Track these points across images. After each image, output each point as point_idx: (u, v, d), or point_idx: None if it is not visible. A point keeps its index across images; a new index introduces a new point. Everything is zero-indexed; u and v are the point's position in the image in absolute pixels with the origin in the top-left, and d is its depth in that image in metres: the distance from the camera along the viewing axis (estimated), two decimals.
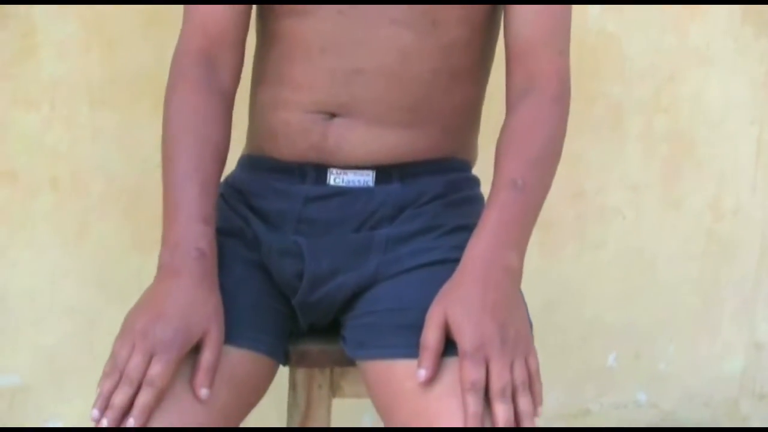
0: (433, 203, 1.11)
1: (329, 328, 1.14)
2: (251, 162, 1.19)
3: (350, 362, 1.10)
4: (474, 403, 0.90)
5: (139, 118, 1.60)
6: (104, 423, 0.94)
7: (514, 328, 0.95)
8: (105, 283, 1.69)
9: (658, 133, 1.88)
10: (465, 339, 0.93)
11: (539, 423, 0.94)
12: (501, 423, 0.90)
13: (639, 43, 1.83)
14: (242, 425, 1.08)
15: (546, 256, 1.85)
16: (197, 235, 1.01)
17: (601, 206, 1.89)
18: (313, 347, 1.14)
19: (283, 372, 1.19)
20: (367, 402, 1.84)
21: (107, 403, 0.94)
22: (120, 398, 0.94)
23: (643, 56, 1.84)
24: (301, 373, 1.19)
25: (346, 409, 1.73)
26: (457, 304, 0.95)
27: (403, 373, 0.98)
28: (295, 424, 1.20)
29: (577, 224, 1.89)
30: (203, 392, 0.97)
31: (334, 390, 1.20)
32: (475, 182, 1.19)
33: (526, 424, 0.92)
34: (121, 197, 1.67)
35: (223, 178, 1.14)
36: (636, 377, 2.00)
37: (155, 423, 0.94)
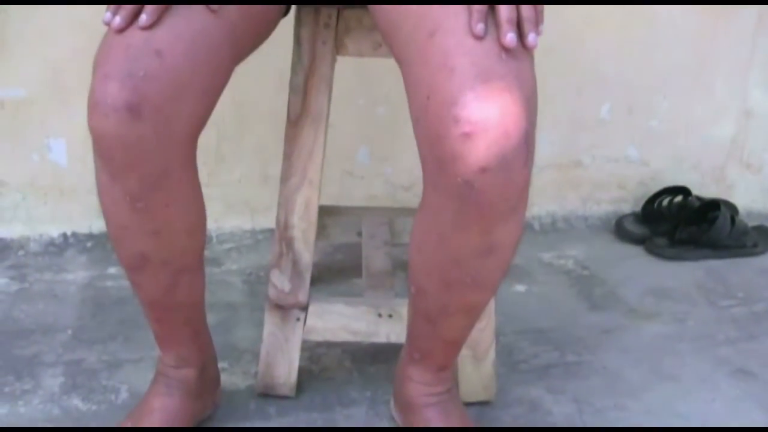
0: None
1: None
2: None
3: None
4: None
5: None
6: (117, 21, 0.96)
7: None
8: None
9: None
10: None
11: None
12: (504, 19, 0.92)
13: None
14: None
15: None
16: None
17: None
18: None
19: (288, 28, 1.21)
20: (363, 137, 1.88)
21: (119, 5, 0.97)
22: None
23: None
24: (305, 29, 1.21)
25: (342, 147, 1.78)
26: None
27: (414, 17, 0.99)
28: (300, 81, 1.22)
29: None
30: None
31: (338, 47, 1.23)
32: None
33: (528, 29, 0.94)
34: None
35: None
36: (628, 132, 2.03)
37: (165, 25, 0.95)
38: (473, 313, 1.11)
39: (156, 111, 0.95)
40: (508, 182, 0.92)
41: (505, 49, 0.92)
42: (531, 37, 0.95)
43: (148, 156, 0.97)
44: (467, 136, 0.89)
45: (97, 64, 0.96)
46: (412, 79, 0.97)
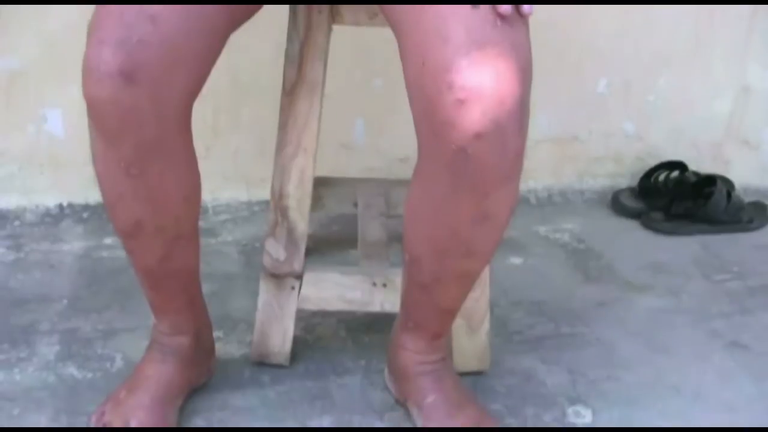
0: None
1: None
2: None
3: None
4: None
5: None
6: None
7: None
8: None
9: None
10: None
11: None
12: None
13: None
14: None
15: None
16: None
17: None
18: None
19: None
20: (360, 109, 1.88)
21: None
22: None
23: None
24: None
25: (339, 119, 1.77)
26: None
27: None
28: (295, 50, 1.22)
29: None
30: None
31: (334, 16, 1.22)
32: None
33: None
34: None
35: None
36: (625, 107, 2.03)
37: None
38: (467, 282, 1.12)
39: (151, 77, 0.94)
40: (502, 149, 0.92)
41: (501, 17, 0.92)
42: (526, 6, 0.94)
43: (143, 122, 0.97)
44: (461, 102, 0.89)
45: (91, 31, 0.96)
46: (407, 47, 0.97)
